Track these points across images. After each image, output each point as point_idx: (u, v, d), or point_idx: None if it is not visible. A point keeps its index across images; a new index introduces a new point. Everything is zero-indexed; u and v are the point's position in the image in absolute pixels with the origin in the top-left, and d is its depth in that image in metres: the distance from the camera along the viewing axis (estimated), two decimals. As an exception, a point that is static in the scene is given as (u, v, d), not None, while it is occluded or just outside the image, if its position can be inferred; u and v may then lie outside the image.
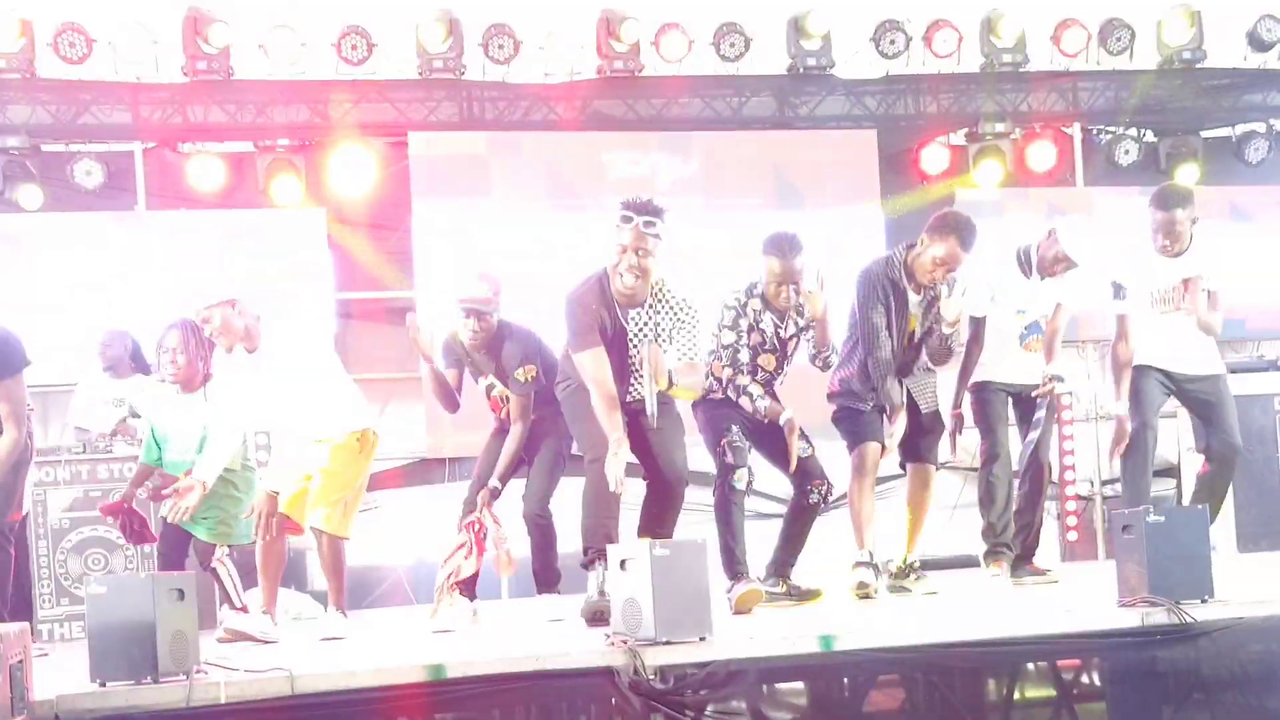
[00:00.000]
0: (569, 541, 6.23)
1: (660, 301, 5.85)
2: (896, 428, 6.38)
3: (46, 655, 6.32)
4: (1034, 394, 6.74)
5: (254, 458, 6.76)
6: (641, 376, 5.83)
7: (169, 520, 6.13)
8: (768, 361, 6.30)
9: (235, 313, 6.03)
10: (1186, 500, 7.53)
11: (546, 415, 6.38)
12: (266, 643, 5.98)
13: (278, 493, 5.98)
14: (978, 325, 6.74)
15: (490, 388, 6.49)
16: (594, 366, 5.74)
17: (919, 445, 6.59)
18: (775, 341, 6.29)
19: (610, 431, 5.62)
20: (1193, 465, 6.70)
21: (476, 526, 6.32)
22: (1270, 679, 5.21)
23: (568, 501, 6.25)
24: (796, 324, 6.31)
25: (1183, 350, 6.55)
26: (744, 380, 6.15)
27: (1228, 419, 6.60)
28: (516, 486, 6.56)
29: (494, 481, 6.38)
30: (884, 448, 6.48)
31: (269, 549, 6.09)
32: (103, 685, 4.52)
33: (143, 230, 9.92)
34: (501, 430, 6.53)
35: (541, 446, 6.45)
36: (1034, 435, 6.86)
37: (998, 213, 10.46)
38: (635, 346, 5.86)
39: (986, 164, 10.91)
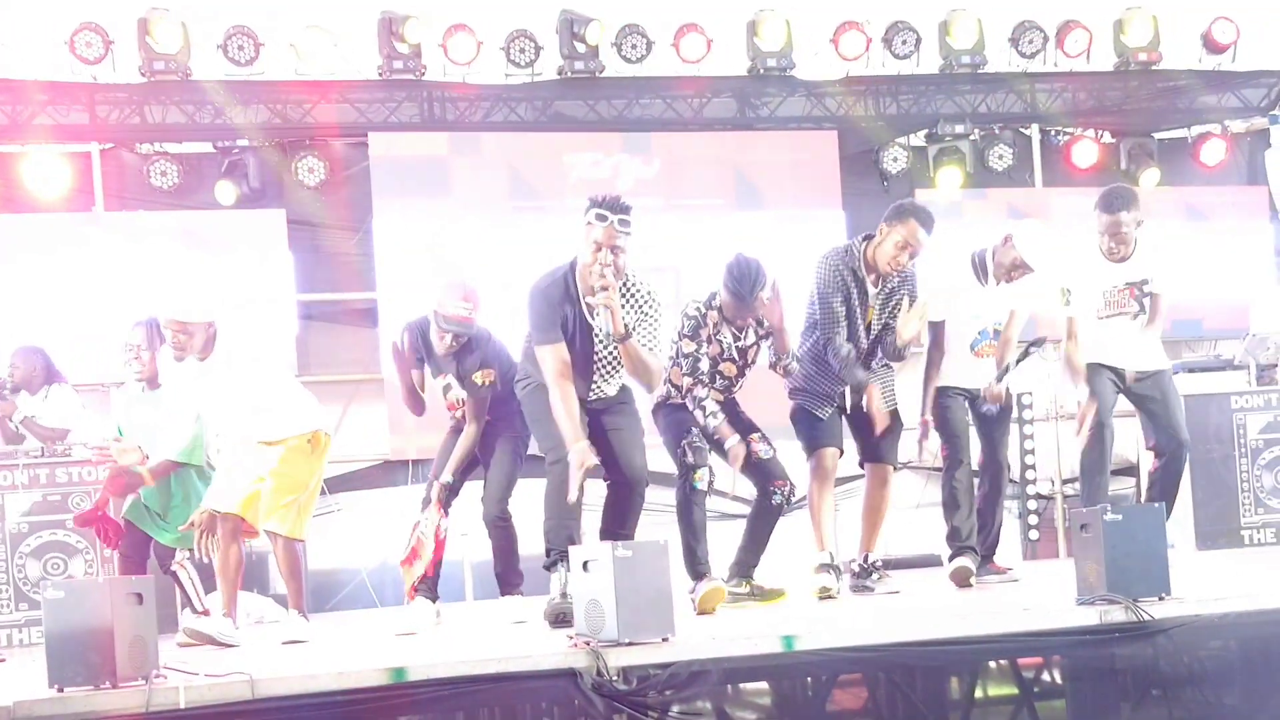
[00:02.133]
0: (532, 543, 6.22)
1: (626, 294, 5.84)
2: (874, 403, 6.39)
3: (4, 661, 6.27)
4: (981, 402, 6.79)
5: (215, 463, 6.71)
6: (607, 373, 5.84)
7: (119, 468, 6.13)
8: (728, 369, 6.33)
9: (208, 334, 6.01)
10: (1143, 499, 7.61)
11: (502, 416, 6.38)
12: (227, 646, 5.95)
13: (218, 511, 5.98)
14: (938, 330, 6.77)
15: (447, 388, 6.49)
16: (554, 361, 5.74)
17: (878, 445, 6.62)
18: (734, 351, 6.30)
19: (572, 440, 5.61)
20: (1146, 462, 6.76)
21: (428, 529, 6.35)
22: (1227, 675, 5.28)
23: (530, 503, 6.24)
24: (756, 333, 6.32)
25: (1128, 348, 6.67)
26: (701, 393, 6.15)
27: (1174, 414, 6.70)
28: (475, 489, 6.54)
29: (446, 477, 6.37)
30: (841, 451, 6.53)
31: (226, 553, 6.06)
32: (60, 691, 4.50)
33: (101, 231, 9.83)
34: (458, 430, 6.53)
35: (497, 448, 6.43)
36: (993, 435, 6.92)
37: (957, 213, 10.53)
38: (600, 341, 5.85)
39: (946, 170, 10.95)
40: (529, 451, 6.50)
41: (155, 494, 6.50)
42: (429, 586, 6.37)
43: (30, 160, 9.80)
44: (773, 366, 6.38)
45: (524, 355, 6.08)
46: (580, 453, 5.57)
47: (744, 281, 6.08)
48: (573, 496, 5.57)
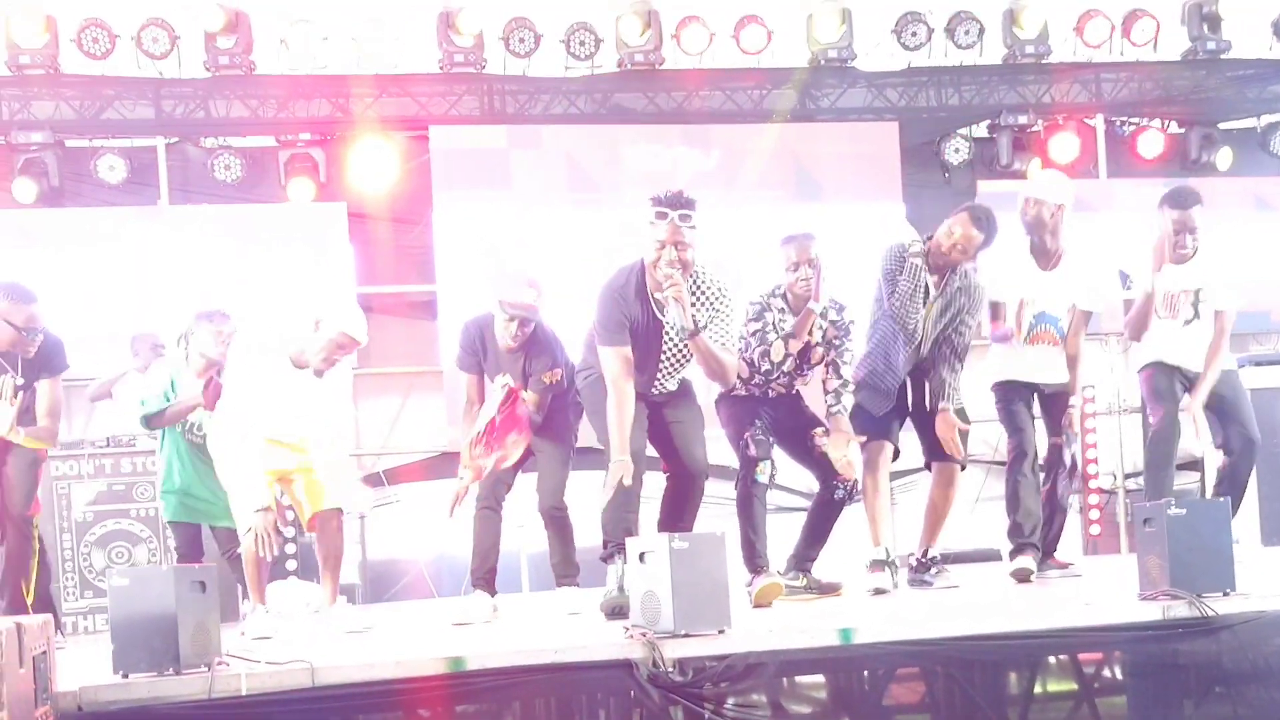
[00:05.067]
0: (587, 535, 6.23)
1: (697, 290, 5.79)
2: (944, 426, 6.37)
3: (63, 649, 6.36)
4: (1053, 439, 6.77)
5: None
6: (671, 370, 5.85)
7: None
8: (789, 364, 6.30)
9: None
10: (1209, 494, 7.50)
11: (556, 409, 6.38)
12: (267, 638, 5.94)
13: (269, 507, 6.00)
14: (997, 308, 6.70)
15: (505, 387, 6.44)
16: (614, 364, 5.71)
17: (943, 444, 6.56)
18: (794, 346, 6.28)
19: (618, 451, 5.61)
20: (1215, 459, 6.67)
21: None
22: (1292, 673, 5.19)
23: (588, 495, 6.25)
24: (822, 330, 6.29)
25: (1192, 349, 6.56)
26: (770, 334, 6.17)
27: (1243, 412, 6.59)
28: (527, 481, 6.54)
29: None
30: (896, 448, 6.50)
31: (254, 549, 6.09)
32: (125, 677, 4.55)
33: (165, 224, 9.97)
34: None
35: (550, 439, 6.42)
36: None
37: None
38: (669, 339, 5.82)
39: (1035, 161, 10.85)
40: (583, 444, 6.49)
41: (201, 484, 6.55)
42: (487, 580, 6.38)
43: (97, 154, 9.95)
44: (825, 383, 6.32)
45: (587, 346, 6.04)
46: (621, 468, 5.58)
47: (794, 232, 6.24)
48: (606, 496, 5.63)
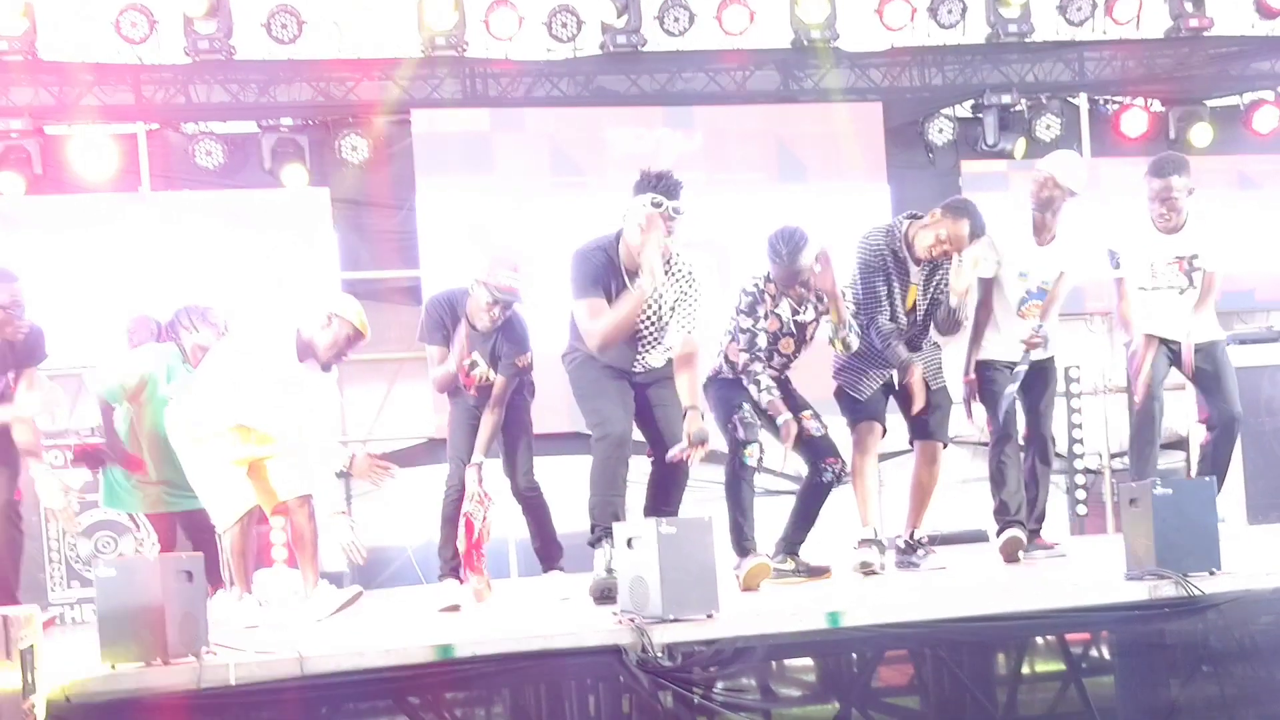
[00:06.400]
0: (576, 519, 6.22)
1: (667, 271, 5.75)
2: (915, 382, 6.34)
3: (54, 622, 6.34)
4: (1021, 340, 6.69)
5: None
6: (650, 344, 5.82)
7: None
8: (786, 345, 6.31)
9: None
10: (1194, 473, 7.52)
11: (515, 390, 6.41)
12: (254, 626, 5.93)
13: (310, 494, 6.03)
14: (987, 287, 6.71)
15: (473, 365, 6.40)
16: (587, 312, 5.67)
17: (927, 422, 6.57)
18: (793, 326, 6.28)
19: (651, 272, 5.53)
20: (1200, 437, 6.68)
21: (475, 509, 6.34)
22: (1278, 651, 5.21)
23: (575, 479, 6.24)
24: (815, 308, 6.28)
25: (1178, 321, 6.56)
26: (757, 368, 6.14)
27: (1227, 386, 6.60)
28: (492, 466, 6.53)
29: (478, 458, 6.37)
30: (884, 428, 6.49)
31: (245, 536, 6.07)
32: (113, 668, 4.54)
33: (147, 211, 9.90)
34: (467, 408, 6.47)
35: (512, 420, 6.44)
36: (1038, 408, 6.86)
37: (1003, 184, 10.42)
38: (643, 314, 5.78)
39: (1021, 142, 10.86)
40: (570, 429, 6.50)
41: (179, 471, 6.51)
42: (453, 568, 6.41)
43: (77, 141, 9.89)
44: (831, 341, 6.33)
45: (572, 329, 6.00)
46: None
47: (780, 245, 6.09)
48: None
